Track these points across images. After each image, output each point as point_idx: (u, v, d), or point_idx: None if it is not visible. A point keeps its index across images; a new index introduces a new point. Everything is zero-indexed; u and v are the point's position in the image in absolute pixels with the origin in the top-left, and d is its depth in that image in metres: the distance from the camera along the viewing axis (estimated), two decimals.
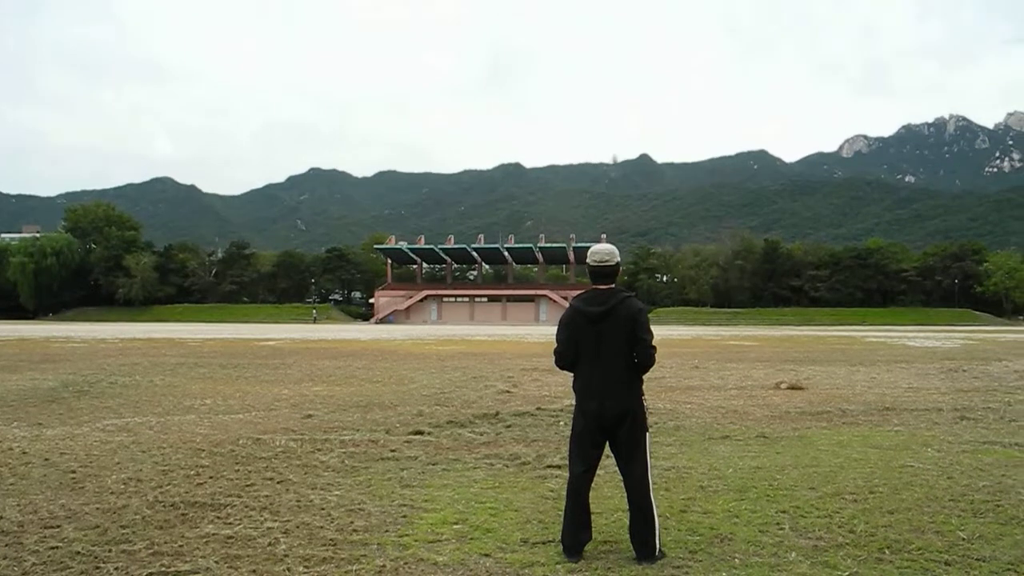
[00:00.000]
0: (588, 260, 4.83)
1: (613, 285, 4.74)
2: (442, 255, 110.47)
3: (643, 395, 4.73)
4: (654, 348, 4.64)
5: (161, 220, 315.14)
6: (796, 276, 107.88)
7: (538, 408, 10.99)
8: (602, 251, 4.76)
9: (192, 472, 6.85)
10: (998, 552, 4.67)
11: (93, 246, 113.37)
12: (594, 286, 4.76)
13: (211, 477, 6.67)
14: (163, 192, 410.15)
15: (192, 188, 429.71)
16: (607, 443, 4.74)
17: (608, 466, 5.42)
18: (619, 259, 4.80)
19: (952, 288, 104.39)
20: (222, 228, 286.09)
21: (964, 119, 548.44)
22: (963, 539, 4.93)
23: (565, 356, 4.77)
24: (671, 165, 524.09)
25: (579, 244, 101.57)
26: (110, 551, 4.67)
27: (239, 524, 5.23)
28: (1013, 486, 6.35)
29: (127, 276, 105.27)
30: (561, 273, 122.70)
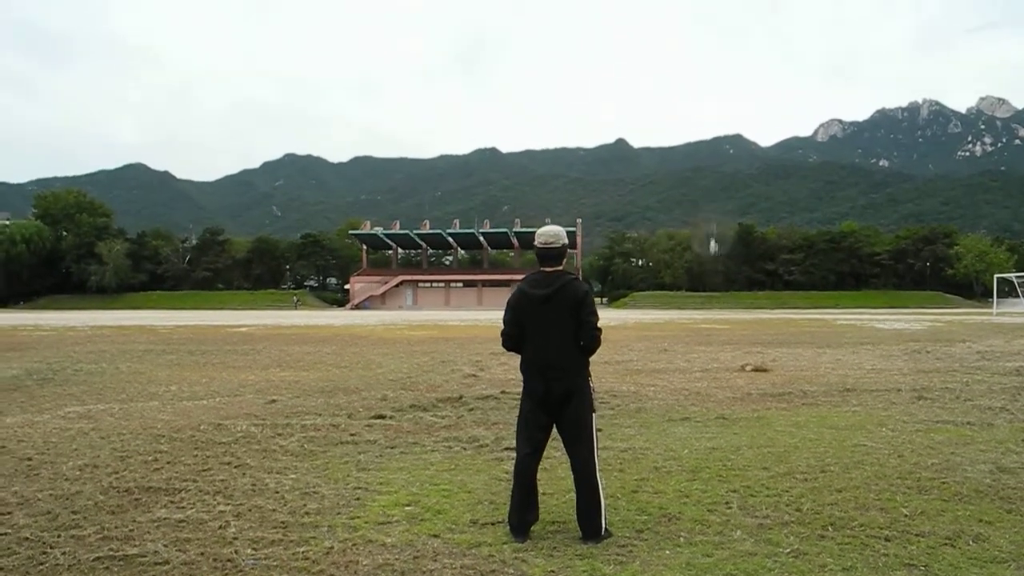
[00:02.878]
0: (535, 242, 4.86)
1: (560, 267, 4.78)
2: (417, 240, 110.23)
3: (589, 376, 4.77)
4: (599, 330, 4.68)
5: (134, 207, 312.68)
6: (770, 260, 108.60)
7: (502, 391, 11.04)
8: (548, 233, 4.79)
9: (150, 458, 6.83)
10: (937, 527, 4.77)
11: (64, 233, 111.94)
12: (540, 268, 4.79)
13: (168, 462, 6.66)
14: (136, 178, 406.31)
15: (165, 174, 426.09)
16: (554, 425, 4.78)
17: (562, 447, 5.46)
18: (566, 241, 4.84)
19: (924, 271, 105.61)
20: (196, 214, 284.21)
21: (937, 103, 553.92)
22: (905, 515, 5.03)
23: (511, 337, 4.82)
24: (647, 150, 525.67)
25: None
26: (59, 536, 4.67)
27: (192, 508, 5.25)
28: (960, 463, 6.47)
29: (99, 263, 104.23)
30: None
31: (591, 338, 4.64)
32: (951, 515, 5.04)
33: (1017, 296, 61.30)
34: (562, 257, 4.79)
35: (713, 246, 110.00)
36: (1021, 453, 6.90)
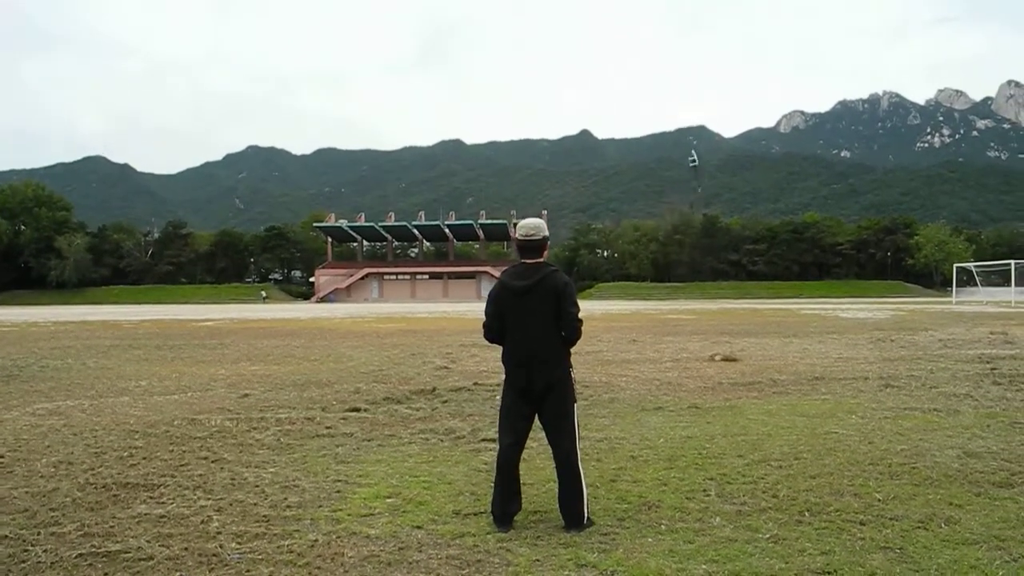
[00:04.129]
0: (516, 234, 4.90)
1: (541, 259, 4.81)
2: (383, 232, 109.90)
3: (571, 367, 4.82)
4: (580, 321, 4.72)
5: (93, 200, 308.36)
6: (734, 250, 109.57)
7: (475, 383, 11.07)
8: (528, 225, 4.83)
9: (125, 453, 6.78)
10: (910, 511, 4.89)
11: (23, 227, 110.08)
12: (522, 260, 4.83)
13: (144, 458, 6.61)
14: (95, 171, 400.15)
15: (125, 167, 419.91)
16: (536, 415, 4.83)
17: (540, 438, 5.51)
18: (547, 233, 4.87)
19: (885, 261, 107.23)
20: (158, 208, 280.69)
21: (897, 95, 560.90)
22: (879, 500, 5.14)
23: (492, 329, 4.86)
24: (612, 141, 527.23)
25: (520, 220, 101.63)
26: (39, 534, 4.62)
27: (172, 503, 5.22)
28: (929, 449, 6.61)
29: (59, 258, 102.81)
30: (502, 249, 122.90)
31: (572, 329, 4.68)
32: (922, 499, 5.16)
33: (975, 285, 62.44)
34: (543, 249, 4.83)
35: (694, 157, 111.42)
36: (987, 438, 7.07)
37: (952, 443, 6.85)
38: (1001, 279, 59.01)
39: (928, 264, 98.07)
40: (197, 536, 4.56)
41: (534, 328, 4.69)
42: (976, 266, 60.02)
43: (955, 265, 63.68)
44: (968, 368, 12.48)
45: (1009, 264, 51.36)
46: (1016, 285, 51.60)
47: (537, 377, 4.68)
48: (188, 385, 11.59)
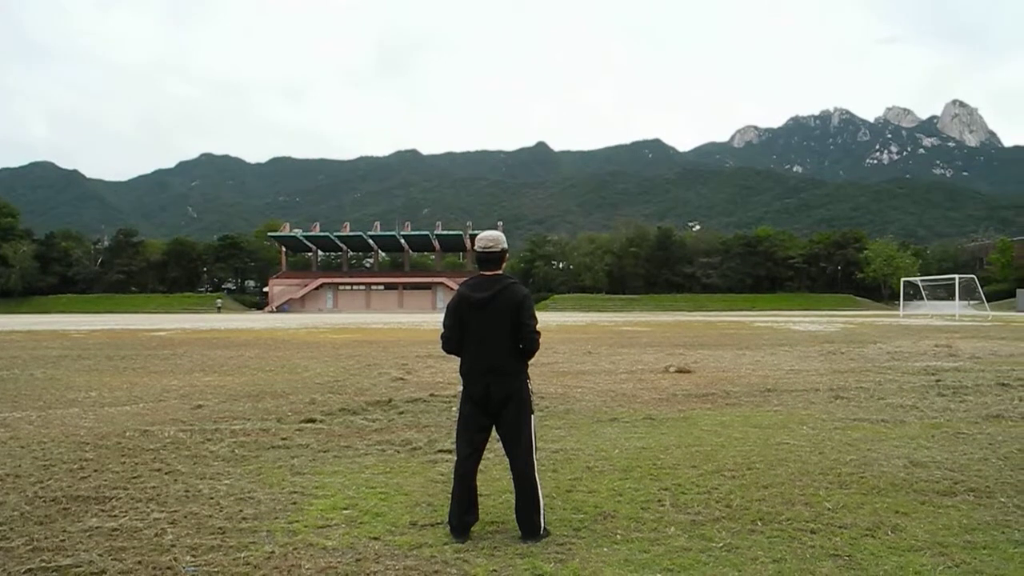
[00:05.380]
0: (475, 246, 4.94)
1: (499, 271, 4.86)
2: (338, 242, 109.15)
3: (528, 379, 4.86)
4: (538, 333, 4.77)
5: (41, 207, 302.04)
6: (689, 263, 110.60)
7: (431, 394, 11.07)
8: (488, 237, 4.87)
9: (75, 466, 6.67)
10: (859, 519, 5.01)
11: None
12: (480, 272, 4.86)
13: (95, 470, 6.51)
14: (43, 177, 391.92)
15: (74, 173, 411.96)
16: (493, 426, 4.86)
17: (496, 448, 5.55)
18: (505, 245, 4.91)
19: (836, 274, 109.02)
20: (108, 215, 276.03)
21: (847, 112, 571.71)
22: (828, 509, 5.25)
23: (451, 340, 4.88)
24: (568, 153, 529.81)
25: (475, 231, 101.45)
26: None
27: (124, 516, 5.15)
28: (877, 459, 6.76)
29: (4, 265, 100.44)
30: (458, 260, 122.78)
31: (531, 341, 4.73)
32: (870, 507, 5.28)
33: (922, 299, 63.67)
34: (502, 261, 4.87)
35: None
36: (931, 448, 7.24)
37: (899, 453, 7.01)
38: (946, 293, 60.13)
39: (877, 278, 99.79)
40: (151, 549, 4.50)
41: (492, 340, 4.72)
42: (922, 280, 61.20)
43: (902, 279, 64.91)
44: (914, 380, 12.74)
45: (953, 279, 52.44)
46: (960, 299, 52.71)
47: (495, 389, 4.72)
48: (140, 396, 11.42)
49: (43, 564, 4.29)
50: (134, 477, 6.26)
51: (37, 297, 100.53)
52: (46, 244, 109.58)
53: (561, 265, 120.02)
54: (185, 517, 5.12)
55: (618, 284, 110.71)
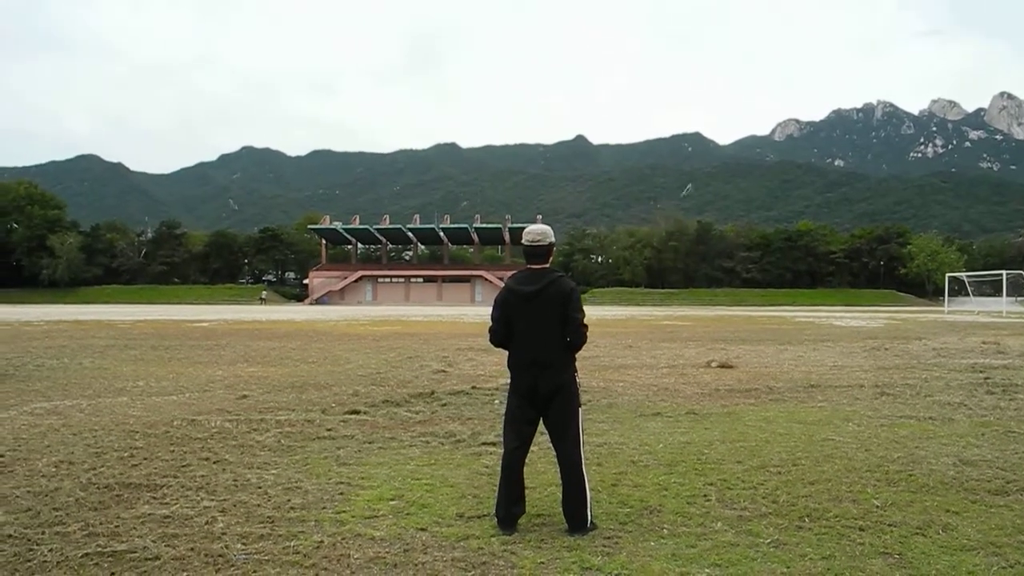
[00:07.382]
0: (523, 240, 4.94)
1: (546, 265, 4.86)
2: (377, 235, 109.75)
3: (576, 372, 4.86)
4: (585, 327, 4.77)
5: (87, 199, 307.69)
6: (728, 257, 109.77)
7: (473, 387, 11.10)
8: (535, 231, 4.87)
9: (126, 454, 6.78)
10: (908, 518, 4.94)
11: (14, 225, 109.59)
12: (528, 266, 4.87)
13: (145, 458, 6.62)
14: (88, 170, 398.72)
15: (119, 166, 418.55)
16: (541, 419, 4.87)
17: (543, 442, 5.56)
18: (552, 239, 4.91)
19: (878, 270, 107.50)
20: (151, 207, 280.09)
21: (891, 105, 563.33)
22: (877, 507, 5.19)
23: (498, 334, 4.89)
24: (607, 146, 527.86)
25: (514, 225, 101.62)
26: (43, 533, 4.63)
27: (175, 504, 5.23)
28: (925, 457, 6.67)
29: (51, 257, 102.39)
30: (496, 254, 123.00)
31: (578, 334, 4.73)
32: (920, 506, 5.21)
33: (967, 295, 62.65)
34: (549, 255, 4.87)
35: None
36: (981, 447, 7.12)
37: (948, 451, 6.90)
38: (992, 289, 59.26)
39: (920, 273, 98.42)
40: (202, 537, 4.57)
41: (540, 333, 4.73)
42: (968, 276, 60.28)
43: (947, 275, 63.85)
44: (962, 377, 12.55)
45: (1000, 275, 51.59)
46: (1007, 295, 51.82)
47: (543, 382, 4.72)
48: (186, 386, 11.59)
49: (99, 549, 4.37)
50: (183, 465, 6.36)
51: (82, 288, 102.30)
52: (92, 236, 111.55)
53: (600, 259, 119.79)
54: (234, 506, 5.18)
55: (657, 278, 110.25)
